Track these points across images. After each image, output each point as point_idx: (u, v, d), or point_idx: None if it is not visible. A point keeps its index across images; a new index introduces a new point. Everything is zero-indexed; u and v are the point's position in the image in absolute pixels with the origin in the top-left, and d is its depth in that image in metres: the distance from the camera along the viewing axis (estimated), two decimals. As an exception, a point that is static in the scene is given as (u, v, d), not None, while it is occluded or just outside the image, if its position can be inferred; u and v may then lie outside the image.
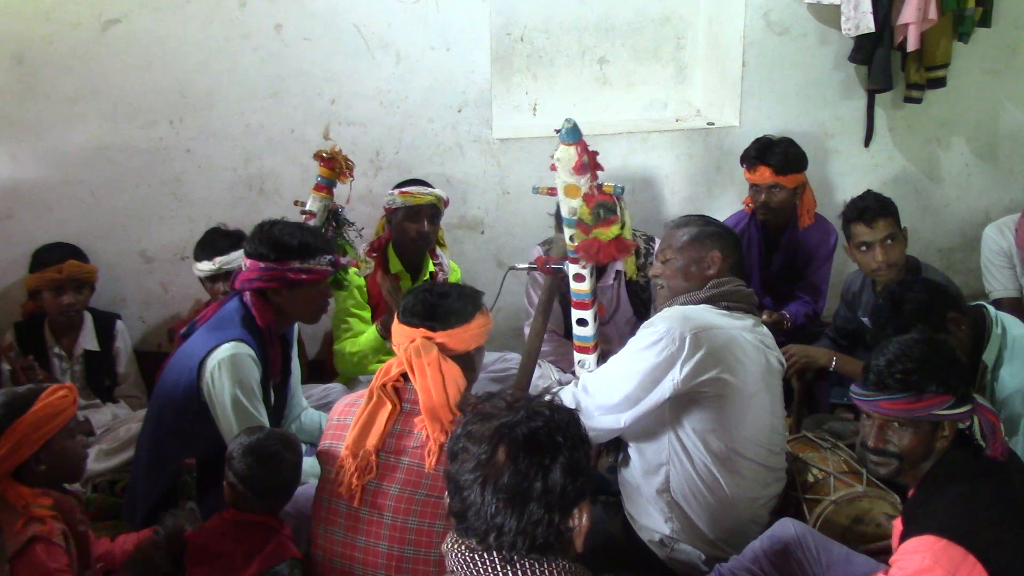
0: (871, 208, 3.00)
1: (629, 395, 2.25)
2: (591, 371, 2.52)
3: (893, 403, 1.84)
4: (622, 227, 2.36)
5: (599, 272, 3.27)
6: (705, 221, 2.52)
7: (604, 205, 2.30)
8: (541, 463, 1.40)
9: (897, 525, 1.95)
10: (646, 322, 2.34)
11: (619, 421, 2.28)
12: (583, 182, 2.28)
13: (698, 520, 2.30)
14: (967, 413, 1.85)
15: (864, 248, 3.03)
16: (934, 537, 1.74)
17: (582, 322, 2.47)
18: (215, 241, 3.21)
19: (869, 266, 3.04)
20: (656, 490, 2.33)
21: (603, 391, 2.31)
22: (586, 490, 1.46)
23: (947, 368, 1.86)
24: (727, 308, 2.36)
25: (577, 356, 2.56)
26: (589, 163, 2.27)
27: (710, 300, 2.37)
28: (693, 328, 2.23)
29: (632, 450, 2.42)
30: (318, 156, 3.13)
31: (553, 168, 2.31)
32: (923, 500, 1.88)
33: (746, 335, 2.32)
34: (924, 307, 2.42)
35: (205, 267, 3.18)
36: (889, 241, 2.99)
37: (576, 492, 1.43)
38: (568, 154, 2.25)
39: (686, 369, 2.20)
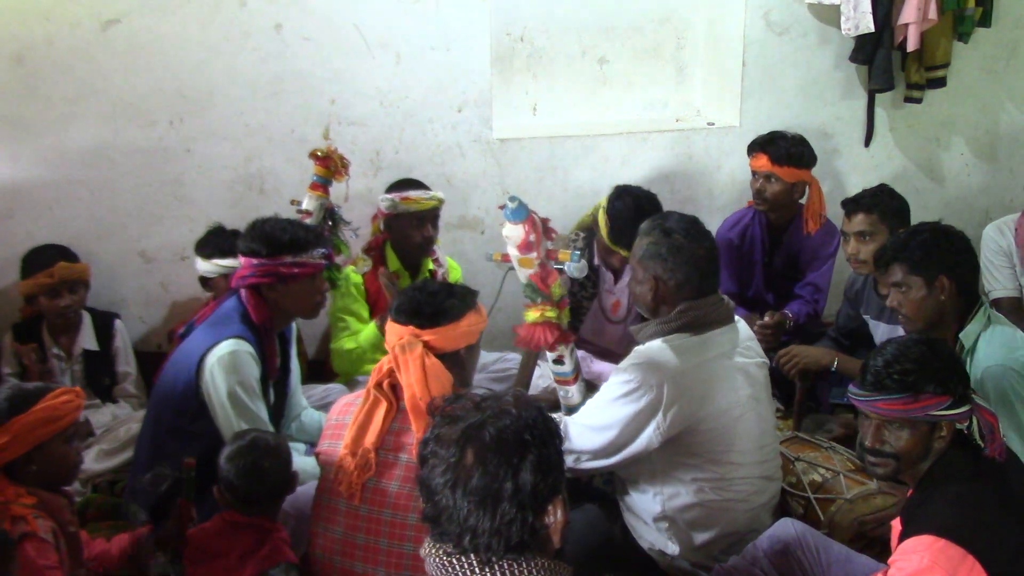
0: (856, 201, 3.06)
1: (613, 442, 2.22)
2: (573, 398, 2.52)
3: (890, 404, 1.84)
4: (556, 312, 2.33)
5: (616, 272, 3.28)
6: (662, 232, 2.30)
7: (532, 287, 2.30)
8: (510, 463, 1.39)
9: (896, 525, 1.95)
10: (618, 367, 2.28)
11: (607, 462, 2.27)
12: (534, 256, 2.29)
13: (700, 540, 2.29)
14: (965, 414, 1.85)
15: (844, 236, 3.11)
16: (932, 537, 1.73)
17: (559, 361, 2.48)
18: (223, 240, 3.19)
19: (847, 254, 3.10)
20: (654, 517, 2.32)
21: (587, 439, 2.27)
22: (559, 486, 1.45)
23: (945, 369, 1.86)
24: (697, 331, 2.25)
25: (559, 389, 2.56)
26: (536, 240, 2.26)
27: (680, 329, 2.25)
28: (670, 374, 2.17)
29: (626, 482, 2.41)
30: (313, 155, 3.13)
31: (503, 236, 2.30)
32: (921, 500, 1.88)
33: (723, 360, 2.25)
34: (923, 249, 2.46)
35: (228, 262, 3.12)
36: (864, 237, 3.01)
37: (548, 489, 1.42)
38: (516, 233, 2.24)
39: (670, 416, 2.16)
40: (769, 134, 3.47)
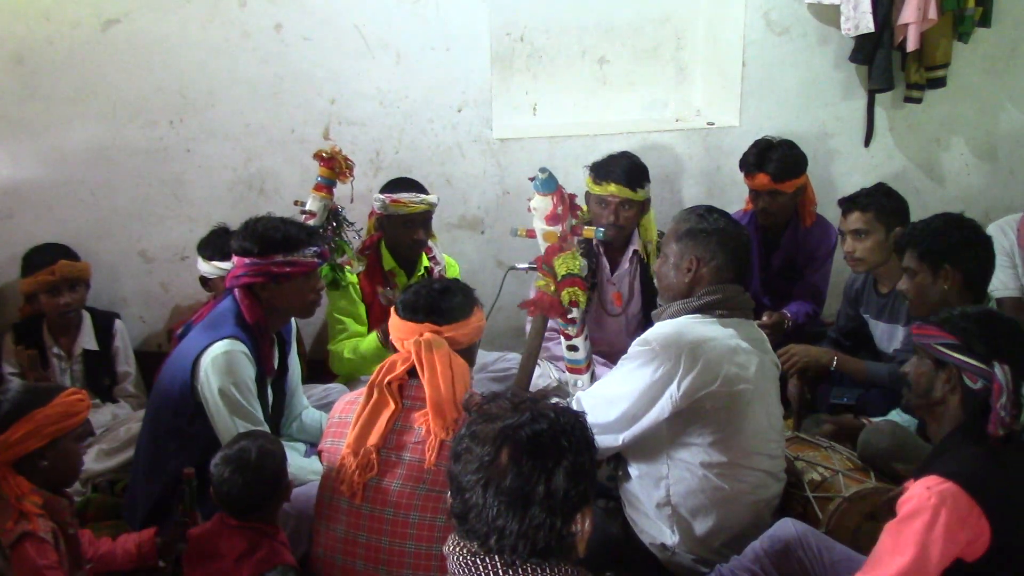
0: (852, 199, 3.09)
1: (626, 414, 2.23)
2: (583, 387, 2.52)
3: (912, 326, 2.05)
4: (554, 288, 2.41)
5: (614, 261, 3.31)
6: (699, 217, 2.39)
7: (548, 264, 2.37)
8: (544, 467, 1.39)
9: (908, 486, 1.94)
10: (639, 339, 2.30)
11: (617, 440, 2.26)
12: (559, 229, 2.30)
13: (701, 530, 2.29)
14: (974, 369, 1.86)
15: (841, 235, 3.14)
16: (939, 477, 1.74)
17: (572, 348, 2.49)
18: (225, 242, 3.18)
19: (844, 252, 3.13)
20: (657, 503, 2.31)
21: (599, 411, 2.26)
22: (589, 495, 1.45)
23: (964, 319, 1.91)
24: (721, 315, 2.29)
25: (570, 377, 2.57)
26: (564, 213, 2.28)
27: (702, 309, 2.30)
28: (688, 344, 2.19)
29: (631, 466, 2.40)
30: (318, 156, 3.13)
31: (529, 211, 2.32)
32: (938, 453, 1.90)
33: (741, 343, 2.27)
34: (933, 236, 2.53)
35: (227, 265, 3.14)
36: (860, 235, 3.03)
37: (579, 497, 1.42)
38: (544, 204, 2.27)
39: (684, 386, 2.17)
40: (759, 150, 3.42)
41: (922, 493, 1.74)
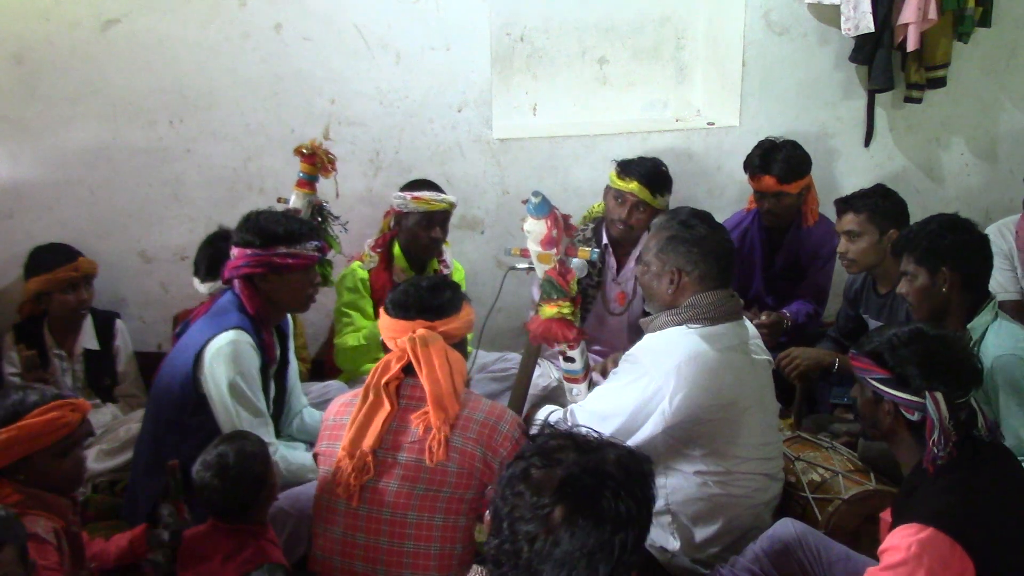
0: (846, 200, 3.10)
1: (620, 430, 2.21)
2: (581, 397, 2.51)
3: (850, 355, 2.04)
4: (572, 309, 2.36)
5: (621, 261, 3.32)
6: (680, 224, 2.32)
7: (551, 282, 2.32)
8: (600, 539, 1.31)
9: (885, 517, 1.95)
10: (627, 354, 2.29)
11: None
12: (554, 252, 2.29)
13: (702, 536, 2.29)
14: (911, 403, 1.86)
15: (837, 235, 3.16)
16: (920, 525, 1.74)
17: (569, 359, 2.49)
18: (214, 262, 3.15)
19: (838, 253, 3.15)
20: (655, 511, 2.30)
21: (594, 426, 2.21)
22: (637, 561, 1.36)
23: (896, 349, 1.89)
24: (709, 323, 2.26)
25: (567, 385, 2.56)
26: (558, 235, 2.26)
27: (692, 320, 2.26)
28: (678, 361, 2.17)
29: None
30: (299, 151, 3.13)
31: (523, 230, 2.31)
32: (910, 490, 1.89)
33: (731, 351, 2.25)
34: (929, 239, 2.51)
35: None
36: (852, 236, 3.05)
37: (625, 568, 1.34)
38: (538, 227, 2.25)
39: (676, 402, 2.16)
40: (763, 152, 3.41)
41: (901, 543, 1.74)
